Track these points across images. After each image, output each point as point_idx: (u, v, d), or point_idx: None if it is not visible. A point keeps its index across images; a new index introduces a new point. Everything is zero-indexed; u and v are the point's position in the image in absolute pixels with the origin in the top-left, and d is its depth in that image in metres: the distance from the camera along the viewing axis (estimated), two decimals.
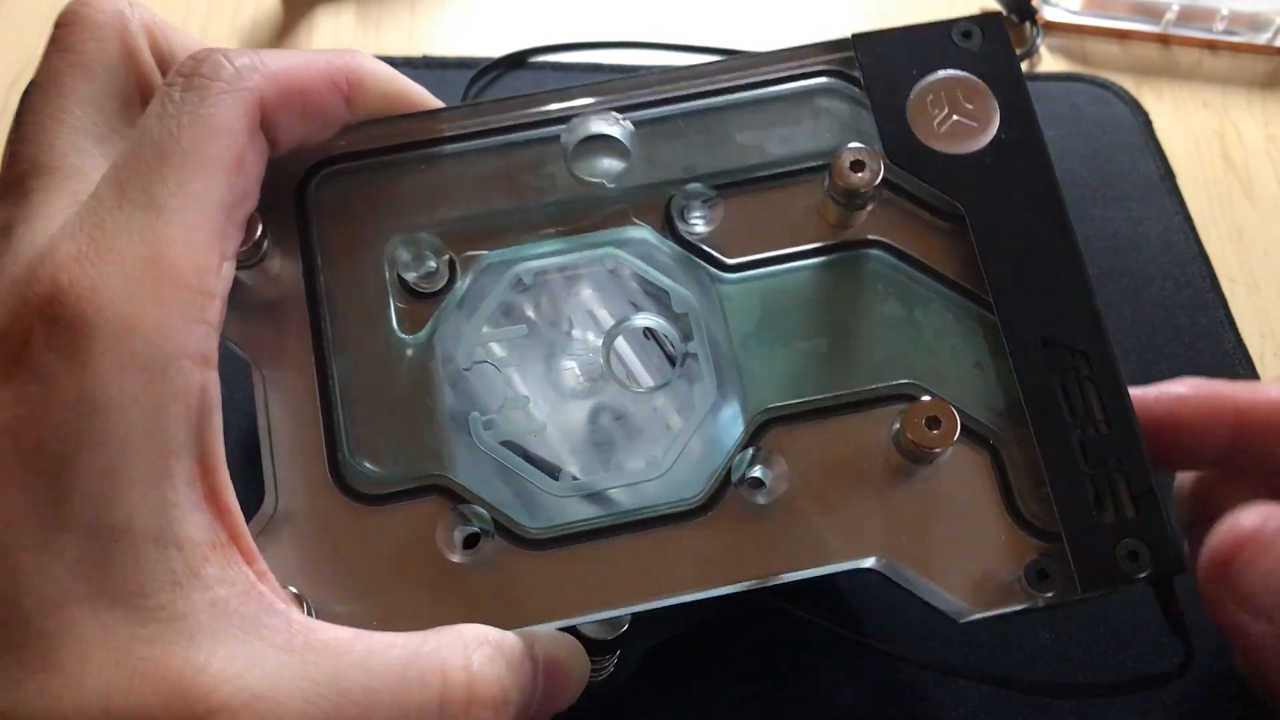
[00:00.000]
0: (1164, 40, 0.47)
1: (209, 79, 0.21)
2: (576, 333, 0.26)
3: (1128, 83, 0.45)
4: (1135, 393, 0.25)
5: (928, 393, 0.24)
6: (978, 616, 0.23)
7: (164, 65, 0.23)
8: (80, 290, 0.18)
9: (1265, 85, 0.46)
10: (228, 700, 0.18)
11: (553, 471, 0.25)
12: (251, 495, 0.23)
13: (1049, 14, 0.47)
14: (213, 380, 0.20)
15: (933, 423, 0.23)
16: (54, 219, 0.20)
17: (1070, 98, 0.44)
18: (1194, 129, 0.45)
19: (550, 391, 0.26)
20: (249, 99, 0.21)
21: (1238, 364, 0.38)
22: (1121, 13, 0.47)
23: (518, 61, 0.44)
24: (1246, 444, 0.26)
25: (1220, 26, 0.46)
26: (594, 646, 0.26)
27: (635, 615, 0.26)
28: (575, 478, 0.24)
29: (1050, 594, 0.23)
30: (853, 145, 0.25)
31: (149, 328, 0.19)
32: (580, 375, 0.26)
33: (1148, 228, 0.41)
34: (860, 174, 0.24)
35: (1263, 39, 0.46)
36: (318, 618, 0.22)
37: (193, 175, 0.20)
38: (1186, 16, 0.46)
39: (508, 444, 0.24)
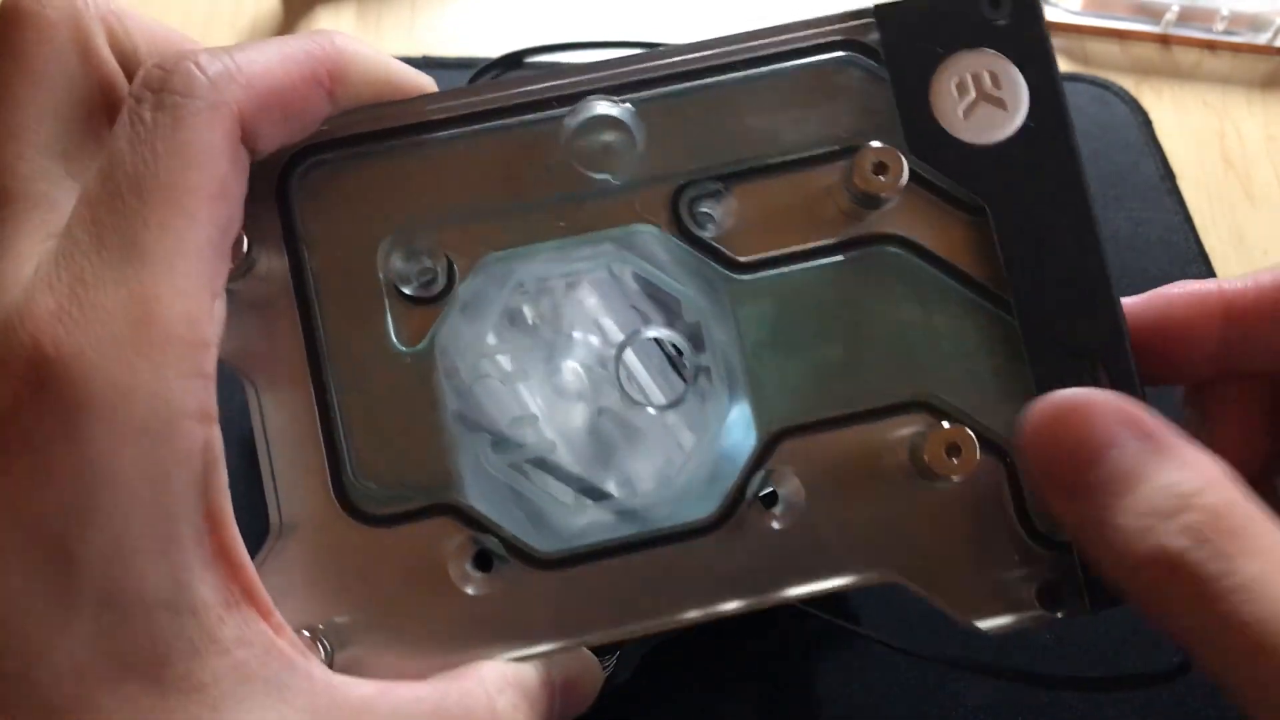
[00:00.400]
0: (1164, 40, 0.47)
1: (183, 96, 0.19)
2: (583, 344, 0.25)
3: (1128, 83, 0.45)
4: (1126, 302, 0.24)
5: (944, 404, 0.24)
6: (990, 629, 0.23)
7: (125, 62, 0.22)
8: (67, 355, 0.17)
9: (1265, 85, 0.46)
10: None
11: (569, 480, 0.24)
12: (255, 497, 0.23)
13: (1049, 14, 0.47)
14: (215, 435, 0.19)
15: (953, 450, 0.23)
16: (25, 259, 0.19)
17: (1070, 98, 0.44)
18: (1194, 129, 0.45)
19: (558, 406, 0.25)
20: (227, 116, 0.20)
21: None
22: (1121, 13, 0.47)
23: (516, 61, 0.44)
24: (1237, 337, 0.25)
25: (1220, 26, 0.46)
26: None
27: None
28: (585, 491, 0.24)
29: (1061, 613, 0.23)
30: (875, 145, 0.23)
31: (145, 392, 0.18)
32: (589, 390, 0.25)
33: (1148, 228, 0.41)
34: (883, 177, 0.23)
35: (1263, 39, 0.46)
36: (335, 651, 0.22)
37: (174, 213, 0.19)
38: (1186, 16, 0.47)
39: (514, 463, 0.24)
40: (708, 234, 0.24)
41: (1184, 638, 0.20)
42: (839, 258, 0.24)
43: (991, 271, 0.24)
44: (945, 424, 0.23)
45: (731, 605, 0.23)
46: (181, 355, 0.18)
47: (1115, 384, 0.23)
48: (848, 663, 0.31)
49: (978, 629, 0.23)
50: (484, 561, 0.23)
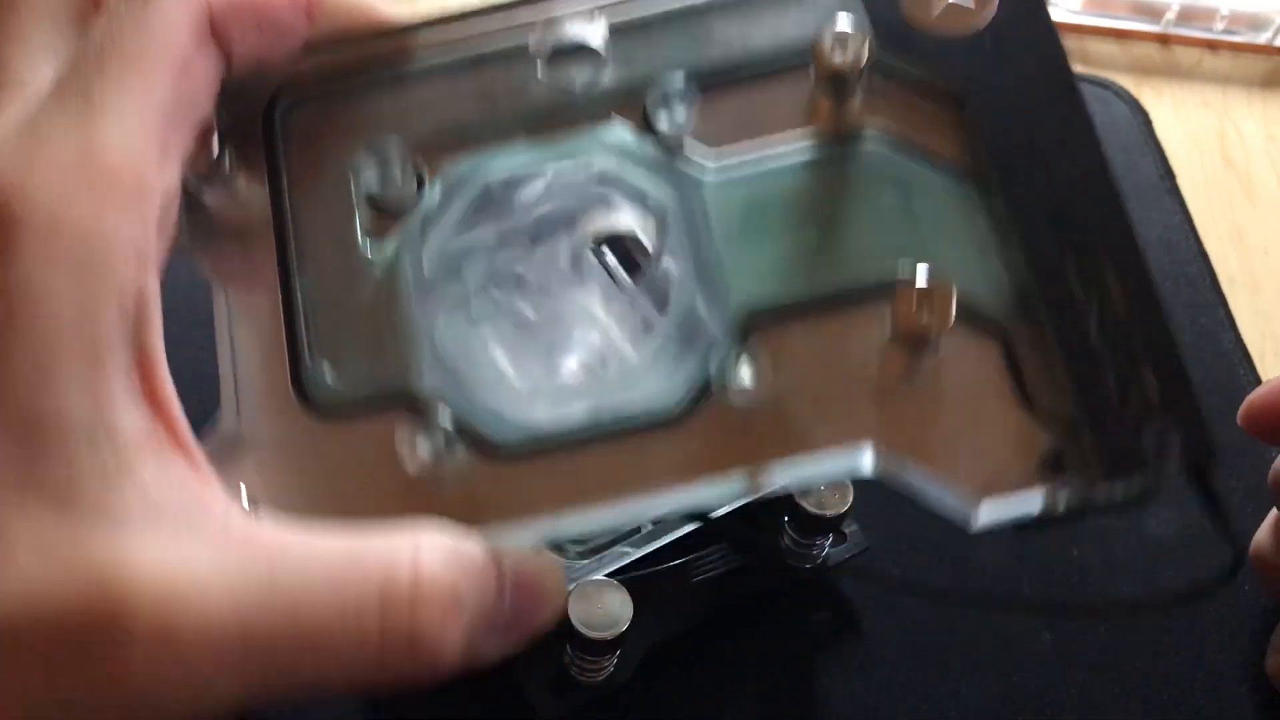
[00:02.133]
0: (1164, 40, 0.47)
1: None
2: (548, 242, 0.25)
3: (1128, 83, 0.45)
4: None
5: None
6: (989, 520, 0.21)
7: None
8: (9, 186, 0.19)
9: (1265, 85, 0.46)
10: (151, 593, 0.18)
11: (522, 373, 0.24)
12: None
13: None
14: (151, 280, 0.20)
15: (926, 300, 0.21)
16: (2, 128, 0.20)
17: None
18: (1194, 129, 0.45)
19: (521, 305, 0.25)
20: (195, 2, 0.21)
21: (1238, 364, 0.38)
22: (1121, 12, 0.47)
23: None
24: None
25: (1220, 26, 0.46)
26: (594, 646, 0.26)
27: (635, 616, 0.26)
28: (545, 383, 0.24)
29: (1068, 486, 0.21)
30: (837, 28, 0.23)
31: (80, 224, 0.19)
32: (552, 283, 0.25)
33: (1148, 228, 0.41)
34: (844, 56, 0.23)
35: (1263, 39, 0.46)
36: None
37: (131, 73, 0.20)
38: (1186, 16, 0.46)
39: (474, 351, 0.24)
40: (678, 135, 0.24)
41: None
42: (813, 154, 0.24)
43: (973, 157, 0.23)
44: (920, 281, 0.22)
45: (700, 487, 0.22)
46: (122, 195, 0.19)
47: (1115, 251, 0.22)
48: (848, 662, 0.31)
49: (975, 519, 0.21)
50: (440, 456, 0.22)
